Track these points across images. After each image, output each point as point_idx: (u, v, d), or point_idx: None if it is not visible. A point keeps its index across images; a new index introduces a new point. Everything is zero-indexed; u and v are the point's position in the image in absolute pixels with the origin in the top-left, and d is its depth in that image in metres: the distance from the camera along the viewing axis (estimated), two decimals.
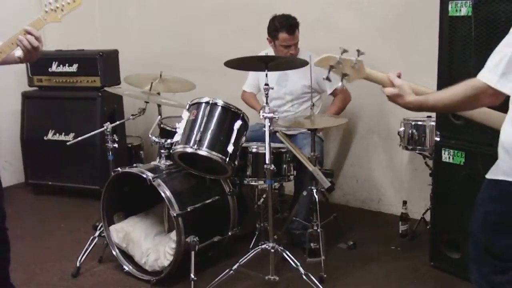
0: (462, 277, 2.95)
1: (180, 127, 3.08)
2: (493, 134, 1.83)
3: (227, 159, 2.98)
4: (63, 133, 4.57)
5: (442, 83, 3.02)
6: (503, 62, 1.62)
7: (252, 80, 3.97)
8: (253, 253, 2.95)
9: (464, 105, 1.79)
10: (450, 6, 2.87)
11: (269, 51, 3.74)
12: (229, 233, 3.31)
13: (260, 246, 2.95)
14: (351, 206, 4.41)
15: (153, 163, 3.33)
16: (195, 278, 2.92)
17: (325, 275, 3.07)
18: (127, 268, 3.22)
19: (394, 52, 3.95)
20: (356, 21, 4.12)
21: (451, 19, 2.90)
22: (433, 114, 3.20)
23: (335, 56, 1.95)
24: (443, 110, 1.89)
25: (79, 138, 3.47)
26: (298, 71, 3.41)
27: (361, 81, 4.04)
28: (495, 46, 1.69)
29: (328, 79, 1.98)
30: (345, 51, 1.94)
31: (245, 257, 2.94)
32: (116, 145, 3.35)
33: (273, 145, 3.02)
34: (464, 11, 2.81)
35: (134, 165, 3.28)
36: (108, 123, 3.34)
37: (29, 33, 2.15)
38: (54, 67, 4.62)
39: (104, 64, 4.52)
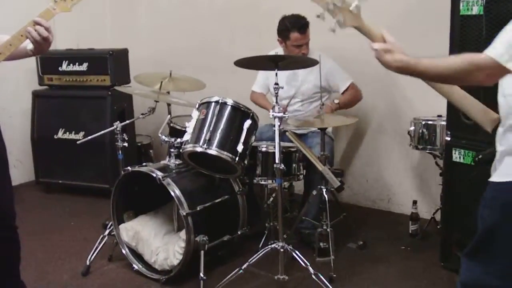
0: None
1: (190, 126, 3.09)
2: None
3: (237, 158, 2.98)
4: (73, 132, 4.58)
5: None
6: None
7: (262, 80, 3.95)
8: (263, 253, 2.94)
9: (457, 78, 1.71)
10: (461, 5, 2.85)
11: (279, 50, 3.73)
12: (239, 232, 3.31)
13: (269, 246, 2.95)
14: (361, 205, 4.39)
15: (162, 162, 3.33)
16: (205, 277, 2.92)
17: (334, 275, 3.06)
18: (136, 267, 3.23)
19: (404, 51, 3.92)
20: (366, 20, 4.08)
21: (462, 18, 2.87)
22: (444, 114, 3.18)
23: None
24: (430, 79, 1.78)
25: (89, 137, 3.48)
26: (308, 70, 3.41)
27: (372, 80, 4.04)
28: None
29: (321, 17, 1.84)
30: None
31: (254, 256, 2.94)
32: (126, 144, 3.36)
33: (283, 144, 3.01)
34: (476, 10, 2.79)
35: (144, 164, 3.30)
36: (118, 122, 3.35)
37: (38, 24, 2.08)
38: (64, 66, 4.63)
39: (114, 63, 4.53)
